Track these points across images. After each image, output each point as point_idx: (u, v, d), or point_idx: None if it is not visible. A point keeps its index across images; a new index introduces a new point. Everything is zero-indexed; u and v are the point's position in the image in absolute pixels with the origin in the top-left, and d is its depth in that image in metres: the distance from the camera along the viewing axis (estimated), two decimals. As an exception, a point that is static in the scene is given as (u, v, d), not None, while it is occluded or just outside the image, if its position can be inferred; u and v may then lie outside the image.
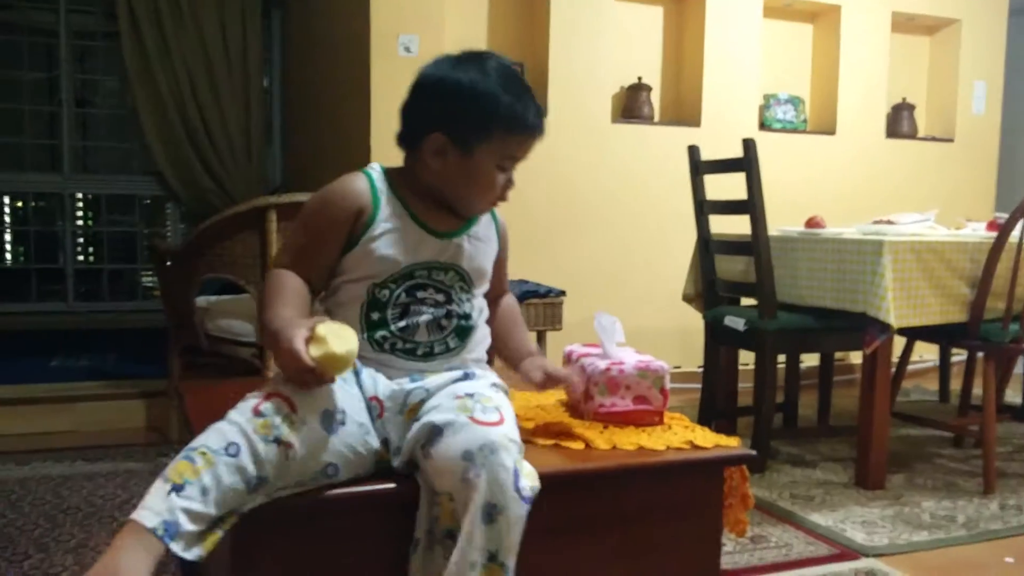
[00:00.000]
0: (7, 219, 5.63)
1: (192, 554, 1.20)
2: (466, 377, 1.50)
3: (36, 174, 5.33)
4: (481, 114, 1.45)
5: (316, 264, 1.49)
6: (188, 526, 1.20)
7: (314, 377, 1.30)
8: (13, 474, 2.94)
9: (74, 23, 5.16)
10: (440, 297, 1.50)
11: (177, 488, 1.21)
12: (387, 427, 1.43)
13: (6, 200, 5.56)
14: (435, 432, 1.34)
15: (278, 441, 1.27)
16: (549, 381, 1.60)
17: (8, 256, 5.58)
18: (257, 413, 1.28)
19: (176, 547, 1.19)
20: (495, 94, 1.44)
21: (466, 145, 1.46)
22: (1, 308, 5.23)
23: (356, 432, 1.38)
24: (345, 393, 1.40)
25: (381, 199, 1.49)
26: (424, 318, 1.48)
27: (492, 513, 1.28)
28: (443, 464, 1.31)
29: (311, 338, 1.29)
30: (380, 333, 1.46)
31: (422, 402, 1.44)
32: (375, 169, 1.54)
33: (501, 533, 1.29)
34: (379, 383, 1.45)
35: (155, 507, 1.20)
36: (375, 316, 1.47)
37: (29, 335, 4.91)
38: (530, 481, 1.32)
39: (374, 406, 1.44)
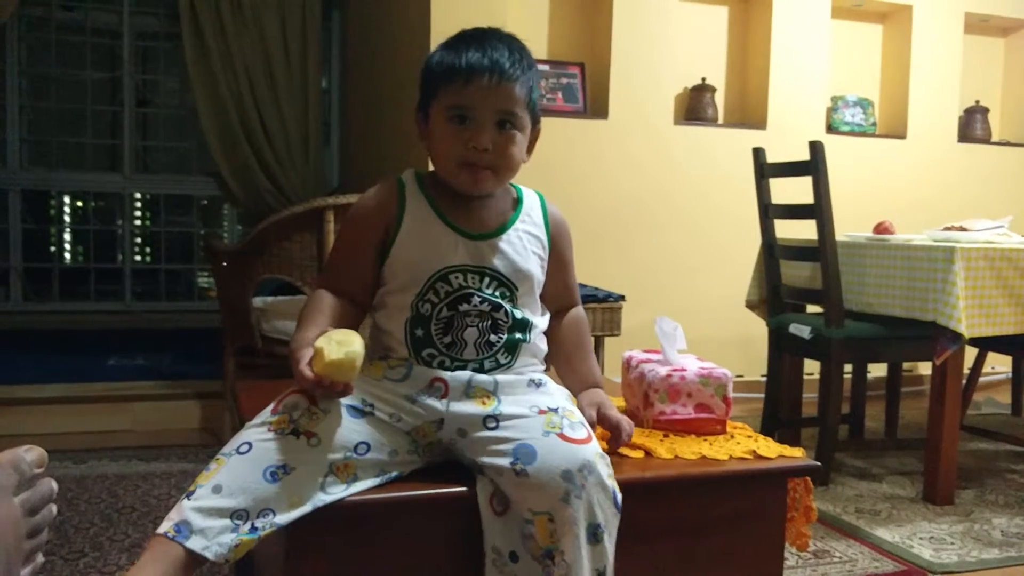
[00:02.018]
0: (67, 218, 5.71)
1: (213, 551, 1.20)
2: (539, 385, 1.45)
3: (97, 174, 5.41)
4: (426, 76, 1.45)
5: (354, 278, 1.47)
6: (202, 522, 1.21)
7: (324, 390, 1.30)
8: (70, 472, 2.97)
9: (137, 24, 5.23)
10: (485, 307, 1.42)
11: (190, 494, 1.24)
12: (451, 407, 1.38)
13: (66, 199, 5.64)
14: (529, 453, 1.31)
15: (296, 432, 1.28)
16: (601, 424, 1.51)
17: (67, 255, 5.66)
18: (275, 411, 1.32)
19: (194, 544, 1.19)
20: (434, 52, 1.44)
21: (426, 113, 1.46)
22: (60, 307, 5.32)
23: (386, 417, 1.37)
24: (376, 387, 1.39)
25: (407, 202, 1.46)
26: (471, 334, 1.41)
27: (597, 533, 1.30)
28: (540, 484, 1.29)
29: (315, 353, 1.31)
30: (427, 351, 1.41)
31: (492, 392, 1.40)
32: (407, 173, 1.51)
33: (606, 550, 1.31)
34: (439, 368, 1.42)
35: (170, 516, 1.22)
36: (419, 332, 1.41)
37: (87, 334, 4.98)
38: (619, 492, 1.33)
39: (438, 386, 1.39)
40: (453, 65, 1.39)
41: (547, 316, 1.55)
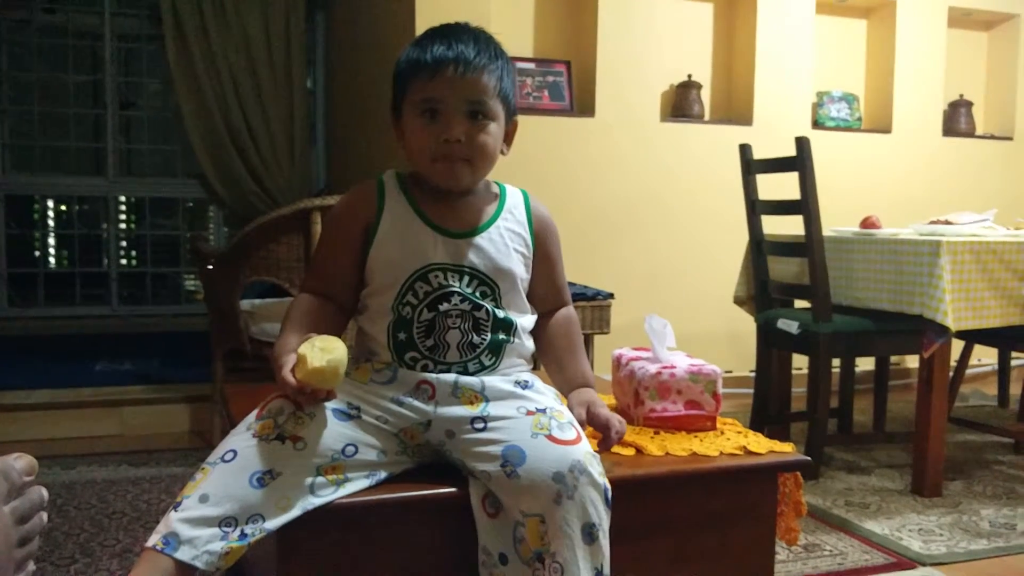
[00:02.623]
0: (51, 223, 5.67)
1: (203, 560, 1.20)
2: (527, 386, 1.44)
3: (80, 177, 5.38)
4: (397, 75, 1.45)
5: (336, 281, 1.47)
6: (190, 532, 1.21)
7: (307, 397, 1.30)
8: (59, 478, 2.95)
9: (118, 26, 5.21)
10: (465, 306, 1.41)
11: (176, 506, 1.24)
12: (439, 409, 1.38)
13: (50, 204, 5.60)
14: (518, 455, 1.31)
15: (281, 437, 1.29)
16: (591, 423, 1.48)
17: (52, 260, 5.62)
18: (259, 416, 1.32)
19: (183, 555, 1.20)
20: (403, 51, 1.45)
21: (398, 111, 1.46)
22: (45, 312, 5.29)
23: (373, 419, 1.36)
24: (363, 390, 1.39)
25: (387, 201, 1.45)
26: (453, 336, 1.40)
27: (592, 532, 1.29)
28: (531, 487, 1.29)
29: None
30: (410, 354, 1.41)
31: (479, 393, 1.39)
32: (388, 173, 1.51)
33: (602, 548, 1.30)
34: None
35: (158, 529, 1.23)
36: (402, 336, 1.41)
37: (73, 339, 4.95)
38: (610, 489, 1.33)
39: (425, 389, 1.39)
40: (419, 60, 1.40)
41: (534, 316, 1.54)
